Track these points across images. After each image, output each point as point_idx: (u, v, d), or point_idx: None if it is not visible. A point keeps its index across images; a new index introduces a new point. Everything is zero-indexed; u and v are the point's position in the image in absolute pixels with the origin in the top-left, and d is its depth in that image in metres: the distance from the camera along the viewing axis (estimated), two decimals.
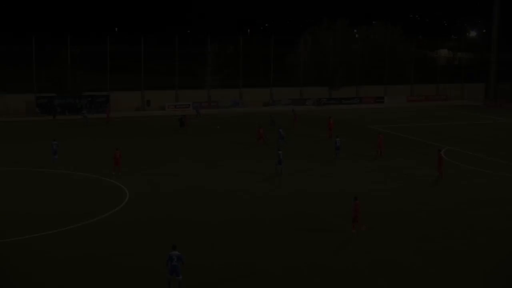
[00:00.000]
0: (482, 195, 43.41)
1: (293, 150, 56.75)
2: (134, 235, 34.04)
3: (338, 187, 44.43)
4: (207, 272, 28.94)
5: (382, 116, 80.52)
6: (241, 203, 40.38)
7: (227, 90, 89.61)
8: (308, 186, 44.91)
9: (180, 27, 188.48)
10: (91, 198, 41.12)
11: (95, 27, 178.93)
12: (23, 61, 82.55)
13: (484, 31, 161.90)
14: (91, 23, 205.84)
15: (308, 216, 37.90)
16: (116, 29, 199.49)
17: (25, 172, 47.82)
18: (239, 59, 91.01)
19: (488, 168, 51.29)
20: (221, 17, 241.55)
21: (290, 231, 34.89)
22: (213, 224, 36.02)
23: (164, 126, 69.82)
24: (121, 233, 34.25)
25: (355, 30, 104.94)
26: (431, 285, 28.27)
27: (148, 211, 38.37)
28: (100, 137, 63.43)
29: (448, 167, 50.80)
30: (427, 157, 55.09)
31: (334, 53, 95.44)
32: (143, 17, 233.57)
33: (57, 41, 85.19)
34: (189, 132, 66.09)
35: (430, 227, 36.15)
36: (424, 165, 52.16)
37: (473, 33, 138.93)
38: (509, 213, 39.34)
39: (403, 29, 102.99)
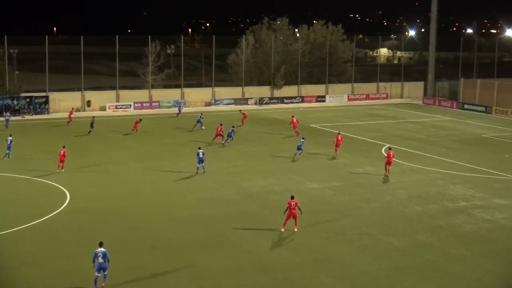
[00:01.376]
0: (422, 191, 44.07)
1: (236, 149, 56.86)
2: (73, 237, 33.52)
3: (282, 186, 44.56)
4: (144, 272, 28.65)
5: (324, 115, 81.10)
6: (184, 204, 40.12)
7: (169, 90, 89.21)
8: (251, 185, 44.96)
9: (120, 27, 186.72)
10: (31, 199, 40.32)
11: (33, 27, 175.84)
12: None
13: (423, 30, 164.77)
14: (29, 23, 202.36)
15: (248, 215, 37.92)
16: (55, 29, 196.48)
17: None
18: (181, 58, 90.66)
19: (427, 165, 52.15)
20: (161, 16, 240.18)
21: (230, 230, 34.86)
22: (153, 225, 35.71)
23: (107, 127, 68.93)
24: (60, 236, 33.67)
25: (296, 30, 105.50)
26: (372, 283, 28.54)
27: (88, 212, 37.82)
28: (41, 138, 62.38)
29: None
30: (369, 154, 55.78)
31: (275, 52, 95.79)
32: (82, 17, 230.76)
33: None
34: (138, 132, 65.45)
35: (372, 224, 36.55)
36: (366, 162, 52.73)
37: (412, 33, 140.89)
38: (448, 209, 40.06)
39: (344, 29, 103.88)
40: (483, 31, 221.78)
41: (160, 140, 62.17)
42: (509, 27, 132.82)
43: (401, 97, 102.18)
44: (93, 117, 67.68)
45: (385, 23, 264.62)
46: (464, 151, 59.12)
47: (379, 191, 43.96)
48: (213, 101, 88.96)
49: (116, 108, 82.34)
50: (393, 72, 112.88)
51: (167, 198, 41.33)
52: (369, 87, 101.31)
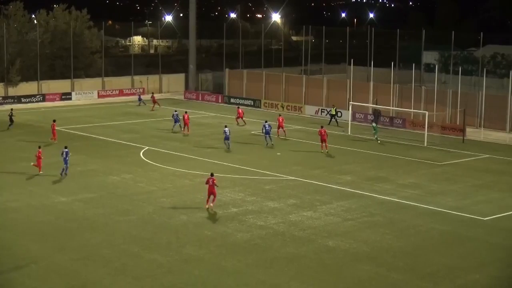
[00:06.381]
0: (187, 199, 44.80)
1: None
2: None
3: (22, 202, 43.33)
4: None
5: (70, 115, 79.84)
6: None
7: None
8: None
9: None
10: None
11: None
12: None
13: (182, 15, 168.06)
14: None
15: None
16: None
17: None
18: None
19: (192, 168, 53.04)
20: None
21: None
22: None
23: None
24: None
25: (33, 16, 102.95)
26: None
27: None
28: None
29: (150, 170, 52.20)
30: (125, 159, 55.82)
31: (8, 43, 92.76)
32: None
33: None
34: None
35: (132, 240, 36.63)
36: (123, 169, 52.62)
37: (169, 18, 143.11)
38: (217, 216, 41.16)
39: (90, 14, 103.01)
40: (248, 15, 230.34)
41: None
42: (275, 11, 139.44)
43: (160, 91, 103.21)
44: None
45: (138, 7, 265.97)
46: (231, 150, 60.87)
47: (139, 201, 44.08)
48: None
49: None
50: (149, 64, 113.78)
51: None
52: (122, 82, 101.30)
